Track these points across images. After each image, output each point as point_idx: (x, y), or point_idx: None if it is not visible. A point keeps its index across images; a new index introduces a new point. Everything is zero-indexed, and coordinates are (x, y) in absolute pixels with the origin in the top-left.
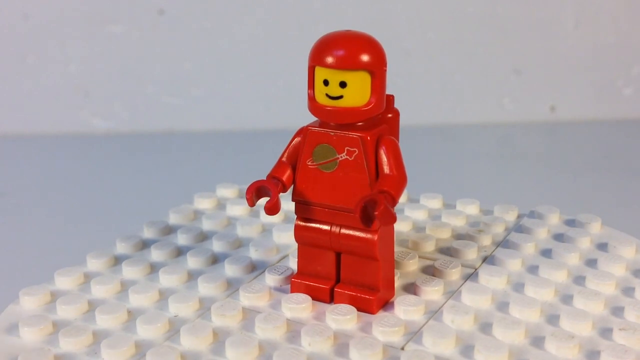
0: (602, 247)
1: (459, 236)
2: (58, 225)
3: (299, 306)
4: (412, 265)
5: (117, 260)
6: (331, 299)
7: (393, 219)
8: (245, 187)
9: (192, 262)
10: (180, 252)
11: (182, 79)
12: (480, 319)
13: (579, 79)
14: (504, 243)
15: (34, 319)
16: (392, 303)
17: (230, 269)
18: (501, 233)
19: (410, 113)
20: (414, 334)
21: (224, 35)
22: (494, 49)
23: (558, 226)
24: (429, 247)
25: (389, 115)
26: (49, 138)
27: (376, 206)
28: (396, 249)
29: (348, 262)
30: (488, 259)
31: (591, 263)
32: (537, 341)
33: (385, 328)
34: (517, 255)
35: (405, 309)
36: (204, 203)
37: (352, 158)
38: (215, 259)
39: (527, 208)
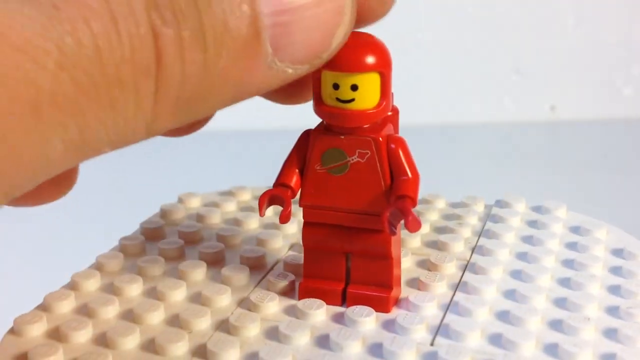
0: (575, 230)
1: (439, 230)
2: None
3: (316, 311)
4: (406, 262)
5: (106, 278)
6: (342, 301)
7: (419, 225)
8: (228, 189)
9: (185, 274)
10: (167, 263)
11: None
12: (494, 308)
13: (579, 79)
14: (484, 233)
15: (44, 348)
16: (402, 300)
17: (227, 279)
18: (477, 224)
19: (410, 113)
20: (437, 329)
21: None
22: (494, 49)
23: (527, 213)
24: (415, 243)
25: (389, 112)
26: None
27: (402, 215)
28: None
29: (359, 262)
30: (476, 250)
31: (572, 246)
32: (555, 324)
33: (409, 325)
34: (502, 244)
35: (421, 305)
36: (177, 213)
37: (364, 160)
38: (207, 270)
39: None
